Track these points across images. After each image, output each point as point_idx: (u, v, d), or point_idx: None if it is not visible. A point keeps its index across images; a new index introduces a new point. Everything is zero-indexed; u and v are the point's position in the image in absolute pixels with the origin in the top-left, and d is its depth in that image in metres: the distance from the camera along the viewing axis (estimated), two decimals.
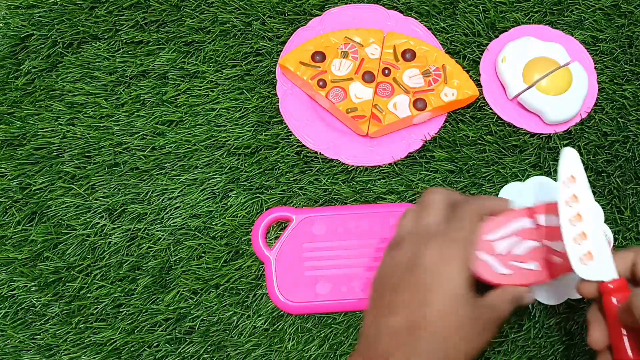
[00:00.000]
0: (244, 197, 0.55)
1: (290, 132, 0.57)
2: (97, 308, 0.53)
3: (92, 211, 0.56)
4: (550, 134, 0.57)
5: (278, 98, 0.58)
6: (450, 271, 0.41)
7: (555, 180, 0.55)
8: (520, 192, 0.55)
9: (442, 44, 0.59)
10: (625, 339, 0.40)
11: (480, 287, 0.44)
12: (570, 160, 0.44)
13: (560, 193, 0.43)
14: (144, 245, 0.54)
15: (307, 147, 0.56)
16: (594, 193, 0.55)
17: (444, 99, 0.56)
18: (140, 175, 0.56)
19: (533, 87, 0.56)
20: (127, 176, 0.56)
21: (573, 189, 0.43)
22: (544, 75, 0.56)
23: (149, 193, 0.56)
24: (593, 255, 0.42)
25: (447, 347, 0.40)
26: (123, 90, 0.59)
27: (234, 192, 0.56)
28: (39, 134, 0.58)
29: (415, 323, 0.40)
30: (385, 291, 0.43)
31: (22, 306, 0.54)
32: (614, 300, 0.40)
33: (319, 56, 0.57)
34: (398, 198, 0.55)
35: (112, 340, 0.52)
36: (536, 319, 0.52)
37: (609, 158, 0.56)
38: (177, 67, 0.59)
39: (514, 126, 0.57)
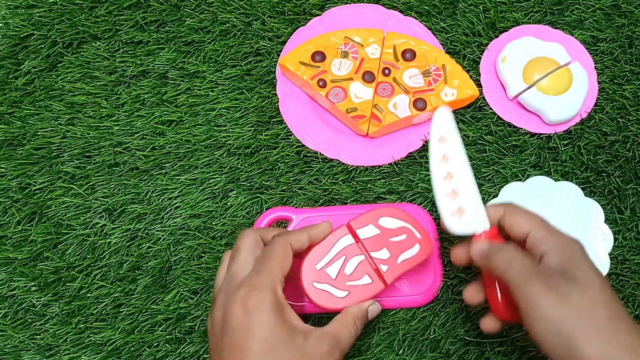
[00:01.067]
0: (244, 197, 0.55)
1: (290, 132, 0.57)
2: (97, 308, 0.53)
3: (92, 211, 0.56)
4: (550, 134, 0.57)
5: (278, 98, 0.58)
6: (258, 322, 0.39)
7: (555, 180, 0.55)
8: (520, 192, 0.55)
9: (442, 44, 0.59)
10: (497, 285, 0.43)
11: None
12: (441, 120, 0.45)
13: (431, 152, 0.45)
14: (143, 245, 0.54)
15: (307, 147, 0.56)
16: (594, 193, 0.55)
17: (444, 99, 0.56)
18: (140, 175, 0.56)
19: (533, 87, 0.56)
20: (127, 176, 0.56)
21: (444, 149, 0.45)
22: (544, 75, 0.56)
23: (149, 193, 0.56)
24: (465, 210, 0.44)
25: None
26: (123, 90, 0.59)
27: (234, 192, 0.56)
28: (38, 133, 0.58)
29: None
30: (211, 354, 0.42)
31: (22, 306, 0.54)
32: None
33: (319, 56, 0.57)
34: (398, 198, 0.55)
35: (112, 340, 0.52)
36: None
37: (609, 158, 0.56)
38: (177, 67, 0.59)
39: (514, 126, 0.57)
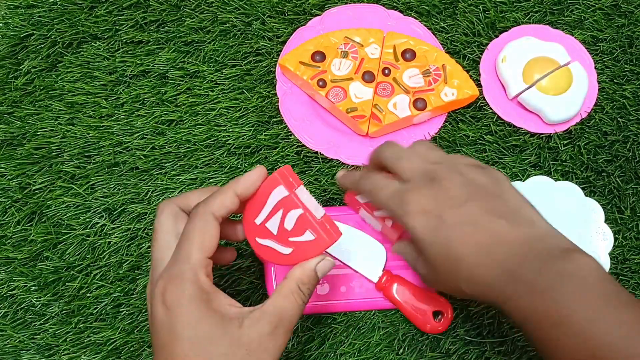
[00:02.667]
0: None
1: (290, 132, 0.57)
2: (96, 308, 0.53)
3: (92, 211, 0.56)
4: (550, 133, 0.57)
5: (278, 98, 0.58)
6: (181, 319, 0.35)
7: (555, 180, 0.55)
8: (520, 192, 0.55)
9: (442, 44, 0.59)
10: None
11: None
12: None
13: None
14: (143, 245, 0.54)
15: (307, 147, 0.56)
16: (595, 193, 0.55)
17: (444, 99, 0.56)
18: (140, 175, 0.56)
19: (533, 87, 0.56)
20: (127, 176, 0.56)
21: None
22: (544, 75, 0.56)
23: (149, 193, 0.56)
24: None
25: None
26: (123, 90, 0.59)
27: None
28: (38, 133, 0.58)
29: None
30: (153, 353, 0.38)
31: (22, 306, 0.54)
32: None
33: (318, 56, 0.57)
34: None
35: (112, 340, 0.52)
36: None
37: (609, 158, 0.56)
38: (177, 66, 0.59)
39: (514, 126, 0.57)
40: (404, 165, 0.42)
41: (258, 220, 0.40)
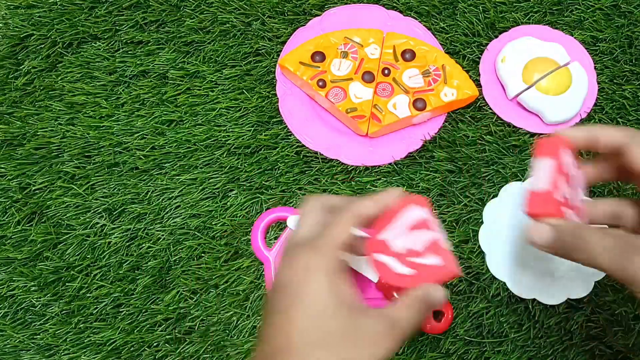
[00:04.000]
0: (244, 197, 0.55)
1: (290, 132, 0.57)
2: (96, 308, 0.53)
3: (92, 211, 0.56)
4: (550, 134, 0.57)
5: (278, 98, 0.58)
6: (311, 285, 0.37)
7: None
8: (520, 192, 0.55)
9: (441, 44, 0.59)
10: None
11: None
12: None
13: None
14: (143, 245, 0.54)
15: (307, 147, 0.56)
16: (594, 193, 0.55)
17: (443, 99, 0.56)
18: (140, 175, 0.56)
19: (533, 87, 0.56)
20: (127, 176, 0.56)
21: None
22: (543, 75, 0.56)
23: (149, 193, 0.56)
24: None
25: None
26: (123, 90, 0.59)
27: (234, 192, 0.56)
28: (38, 133, 0.58)
29: (278, 348, 0.37)
30: (264, 318, 0.40)
31: (22, 306, 0.54)
32: None
33: (318, 56, 0.57)
34: None
35: (112, 340, 0.52)
36: (536, 319, 0.52)
37: None
38: (177, 67, 0.59)
39: (514, 126, 0.57)
40: None
41: (381, 236, 0.40)
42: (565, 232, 0.37)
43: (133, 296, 0.53)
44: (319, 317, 0.36)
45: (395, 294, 0.50)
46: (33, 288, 0.54)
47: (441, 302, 0.39)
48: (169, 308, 0.53)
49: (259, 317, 0.53)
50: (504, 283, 0.52)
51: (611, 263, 0.35)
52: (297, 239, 0.40)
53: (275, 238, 0.54)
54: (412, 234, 0.39)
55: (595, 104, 0.58)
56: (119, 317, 0.53)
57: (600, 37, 0.60)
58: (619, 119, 0.57)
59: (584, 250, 0.36)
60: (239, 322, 0.53)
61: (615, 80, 0.59)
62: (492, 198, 0.55)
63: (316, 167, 0.56)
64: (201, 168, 0.56)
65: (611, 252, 0.35)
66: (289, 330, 0.36)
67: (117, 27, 0.60)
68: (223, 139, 0.57)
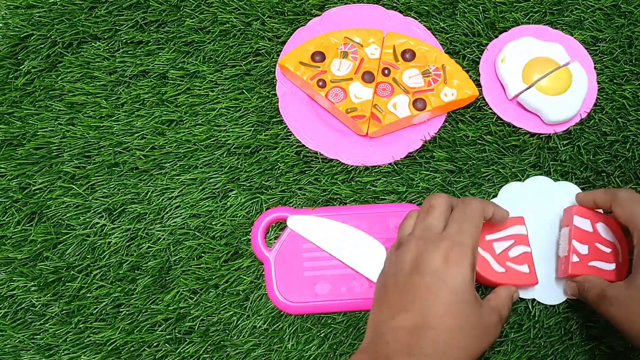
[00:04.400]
0: (244, 197, 0.55)
1: (290, 132, 0.57)
2: (96, 308, 0.53)
3: (92, 211, 0.56)
4: (550, 134, 0.57)
5: (278, 98, 0.58)
6: (455, 275, 0.42)
7: (554, 180, 0.55)
8: (519, 192, 0.55)
9: (441, 44, 0.59)
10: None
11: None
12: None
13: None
14: (143, 245, 0.54)
15: (307, 147, 0.56)
16: None
17: (443, 99, 0.56)
18: (140, 175, 0.56)
19: (532, 87, 0.56)
20: (127, 176, 0.56)
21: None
22: (543, 76, 0.56)
23: (149, 193, 0.56)
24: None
25: (450, 349, 0.41)
26: (123, 90, 0.59)
27: (234, 192, 0.56)
28: (38, 133, 0.58)
29: (418, 324, 0.41)
30: (390, 291, 0.44)
31: (22, 306, 0.54)
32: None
33: (318, 56, 0.57)
34: (398, 198, 0.55)
35: (112, 340, 0.52)
36: (536, 319, 0.52)
37: (608, 158, 0.56)
38: (177, 67, 0.59)
39: (514, 126, 0.57)
40: None
41: (489, 237, 0.50)
42: (588, 288, 0.48)
43: (133, 296, 0.53)
44: (459, 307, 0.41)
45: None
46: (33, 288, 0.54)
47: (515, 300, 0.49)
48: (169, 308, 0.53)
49: (259, 317, 0.53)
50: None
51: (619, 320, 0.45)
52: (432, 231, 0.45)
53: (275, 238, 0.54)
54: (512, 243, 0.50)
55: (595, 104, 0.58)
56: (119, 317, 0.53)
57: (600, 37, 0.60)
58: (618, 119, 0.57)
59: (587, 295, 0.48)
60: (239, 322, 0.53)
61: (615, 80, 0.59)
62: (492, 198, 0.55)
63: (316, 167, 0.56)
64: (201, 168, 0.56)
65: (595, 299, 0.47)
66: (430, 311, 0.41)
67: (117, 27, 0.60)
68: (223, 139, 0.57)
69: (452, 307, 0.41)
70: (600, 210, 0.51)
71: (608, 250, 0.50)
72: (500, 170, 0.56)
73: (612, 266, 0.49)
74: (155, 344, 0.52)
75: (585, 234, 0.50)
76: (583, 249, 0.49)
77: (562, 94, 0.56)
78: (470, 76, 0.58)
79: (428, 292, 0.42)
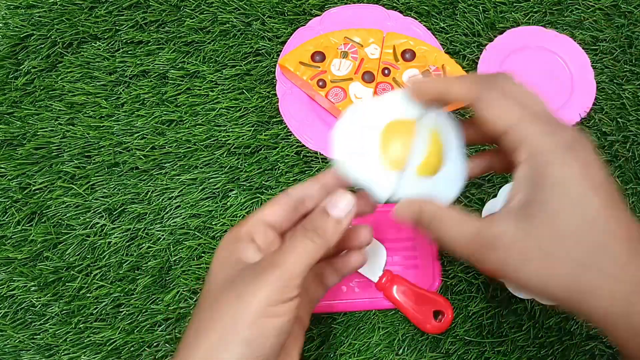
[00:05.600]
0: (244, 197, 0.55)
1: (290, 132, 0.57)
2: (96, 308, 0.53)
3: (92, 211, 0.56)
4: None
5: (278, 98, 0.58)
6: (214, 260, 0.37)
7: None
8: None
9: (441, 44, 0.60)
10: None
11: None
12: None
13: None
14: (143, 245, 0.54)
15: (307, 147, 0.56)
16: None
17: None
18: (140, 175, 0.56)
19: (408, 173, 0.36)
20: (127, 176, 0.56)
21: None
22: (415, 148, 0.36)
23: (149, 193, 0.56)
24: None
25: None
26: (123, 90, 0.59)
27: (234, 192, 0.56)
28: (38, 133, 0.58)
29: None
30: None
31: (22, 306, 0.54)
32: None
33: (318, 56, 0.57)
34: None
35: (112, 340, 0.52)
36: (536, 319, 0.52)
37: (608, 158, 0.56)
38: (177, 67, 0.59)
39: None
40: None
41: None
42: (428, 214, 0.34)
43: (133, 296, 0.53)
44: (220, 284, 0.35)
45: (395, 294, 0.50)
46: (33, 288, 0.54)
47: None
48: (169, 308, 0.53)
49: None
50: (504, 283, 0.52)
51: (469, 257, 0.32)
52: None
53: None
54: None
55: (594, 104, 0.58)
56: (119, 317, 0.53)
57: (600, 37, 0.60)
58: (618, 119, 0.57)
59: (444, 237, 0.33)
60: None
61: (615, 80, 0.59)
62: (492, 198, 0.55)
63: (316, 167, 0.56)
64: (201, 168, 0.56)
65: (469, 245, 0.32)
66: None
67: (117, 27, 0.60)
68: (223, 139, 0.57)
69: (216, 288, 0.35)
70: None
71: None
72: None
73: None
74: (155, 344, 0.52)
75: None
76: None
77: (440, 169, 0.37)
78: None
79: (204, 285, 0.37)
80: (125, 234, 0.55)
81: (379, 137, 0.36)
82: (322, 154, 0.56)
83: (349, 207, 0.35)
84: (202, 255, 0.54)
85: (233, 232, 0.37)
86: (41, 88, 0.59)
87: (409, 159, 0.36)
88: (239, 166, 0.56)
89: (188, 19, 0.60)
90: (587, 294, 0.29)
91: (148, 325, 0.53)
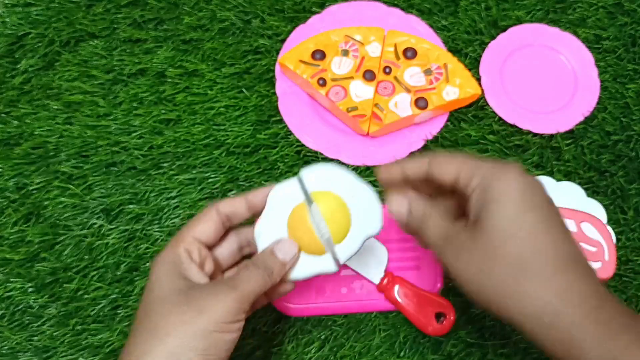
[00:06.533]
0: None
1: (290, 131, 0.56)
2: (94, 309, 0.53)
3: (89, 211, 0.55)
4: (552, 133, 0.56)
5: (277, 97, 0.57)
6: (153, 275, 0.40)
7: (557, 180, 0.55)
8: None
9: (443, 42, 0.59)
10: None
11: None
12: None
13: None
14: (141, 246, 0.54)
15: (307, 147, 0.56)
16: (597, 193, 0.55)
17: (445, 98, 0.55)
18: (137, 174, 0.56)
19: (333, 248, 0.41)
20: (125, 176, 0.56)
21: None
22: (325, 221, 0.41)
23: (147, 193, 0.55)
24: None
25: None
26: (120, 88, 0.58)
27: (233, 192, 0.55)
28: (35, 133, 0.57)
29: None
30: None
31: (19, 307, 0.53)
32: None
33: (319, 54, 0.57)
34: None
35: (110, 342, 0.52)
36: None
37: (612, 158, 0.56)
38: (176, 65, 0.59)
39: (517, 126, 0.56)
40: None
41: None
42: (415, 216, 0.40)
43: (131, 298, 0.53)
44: (159, 301, 0.39)
45: (396, 295, 0.50)
46: (30, 289, 0.53)
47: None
48: None
49: (259, 319, 0.52)
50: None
51: (438, 250, 0.38)
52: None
53: None
54: None
55: (598, 103, 0.57)
56: (117, 319, 0.52)
57: (604, 35, 0.59)
58: (622, 118, 0.57)
59: (425, 238, 0.39)
60: None
61: (618, 79, 0.58)
62: None
63: None
64: (200, 168, 0.56)
65: (437, 241, 0.38)
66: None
67: (114, 26, 0.60)
68: (222, 138, 0.56)
69: (156, 305, 0.39)
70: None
71: (593, 249, 0.50)
72: None
73: (598, 265, 0.49)
74: None
75: None
76: None
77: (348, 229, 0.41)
78: (472, 74, 0.57)
79: (141, 302, 0.40)
80: (123, 234, 0.54)
81: (287, 231, 0.41)
82: (322, 154, 0.56)
83: (293, 253, 0.41)
84: None
85: (172, 249, 0.40)
86: (38, 87, 0.59)
87: (321, 239, 0.41)
88: (238, 166, 0.56)
89: (186, 17, 0.60)
90: (513, 300, 0.34)
91: None
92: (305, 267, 0.41)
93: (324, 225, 0.40)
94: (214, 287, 0.39)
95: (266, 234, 0.41)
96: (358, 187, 0.42)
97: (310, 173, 0.41)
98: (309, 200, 0.41)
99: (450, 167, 0.38)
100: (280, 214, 0.41)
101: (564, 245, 0.34)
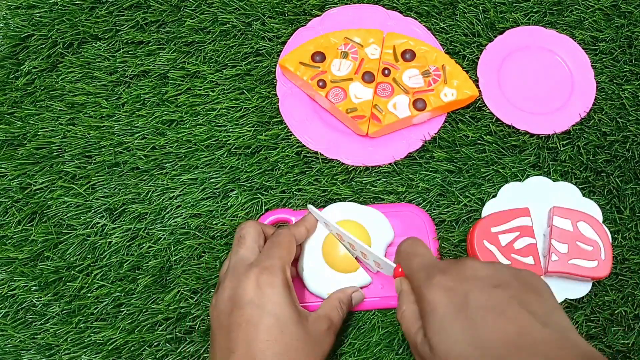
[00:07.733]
0: (244, 197, 0.55)
1: (290, 132, 0.57)
2: (97, 308, 0.53)
3: (93, 211, 0.56)
4: (549, 134, 0.57)
5: (278, 98, 0.58)
6: (270, 297, 0.43)
7: (554, 180, 0.55)
8: (518, 192, 0.55)
9: (441, 44, 0.60)
10: None
11: None
12: (315, 214, 0.51)
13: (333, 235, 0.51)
14: (144, 244, 0.54)
15: (307, 147, 0.57)
16: (594, 193, 0.56)
17: (443, 99, 0.56)
18: (140, 175, 0.57)
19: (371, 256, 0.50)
20: (128, 176, 0.57)
21: (333, 231, 0.51)
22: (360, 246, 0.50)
23: (150, 193, 0.56)
24: (379, 264, 0.49)
25: None
26: (123, 90, 0.59)
27: (234, 192, 0.56)
28: (39, 133, 0.58)
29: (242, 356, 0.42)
30: (217, 336, 0.44)
31: (23, 306, 0.54)
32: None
33: (318, 56, 0.57)
34: (398, 198, 0.55)
35: (113, 340, 0.52)
36: None
37: (608, 158, 0.56)
38: (178, 67, 0.59)
39: (514, 127, 0.57)
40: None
41: (494, 229, 0.51)
42: (402, 313, 0.43)
43: (134, 296, 0.53)
44: (282, 329, 0.42)
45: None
46: (34, 288, 0.54)
47: (358, 301, 0.51)
48: (170, 308, 0.53)
49: None
50: None
51: (405, 327, 0.42)
52: (243, 261, 0.45)
53: None
54: (517, 235, 0.51)
55: (594, 104, 0.58)
56: (120, 317, 0.53)
57: (600, 37, 0.60)
58: (618, 119, 0.57)
59: (402, 307, 0.43)
60: None
61: (615, 80, 0.59)
62: (491, 198, 0.55)
63: (316, 167, 0.56)
64: (202, 168, 0.57)
65: (408, 319, 0.42)
66: (255, 343, 0.42)
67: (117, 28, 0.60)
68: (223, 139, 0.57)
69: (274, 330, 0.42)
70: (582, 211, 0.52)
71: (589, 248, 0.50)
72: (499, 170, 0.56)
73: (594, 264, 0.50)
74: (155, 344, 0.52)
75: (565, 233, 0.51)
76: (562, 247, 0.50)
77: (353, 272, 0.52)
78: (470, 76, 0.58)
79: (249, 326, 0.42)
80: (125, 233, 0.55)
81: (323, 259, 0.52)
82: (322, 154, 0.56)
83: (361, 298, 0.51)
84: (203, 255, 0.54)
85: (282, 274, 0.45)
86: (42, 88, 0.59)
87: (354, 256, 0.51)
88: (240, 166, 0.56)
89: (188, 19, 0.60)
90: None
91: (148, 325, 0.53)
92: (346, 286, 0.51)
93: (354, 243, 0.49)
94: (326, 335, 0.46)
95: (307, 265, 0.51)
96: (364, 210, 0.53)
97: (328, 211, 0.52)
98: (335, 228, 0.49)
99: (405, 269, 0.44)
100: (313, 248, 0.51)
101: (487, 346, 0.36)
